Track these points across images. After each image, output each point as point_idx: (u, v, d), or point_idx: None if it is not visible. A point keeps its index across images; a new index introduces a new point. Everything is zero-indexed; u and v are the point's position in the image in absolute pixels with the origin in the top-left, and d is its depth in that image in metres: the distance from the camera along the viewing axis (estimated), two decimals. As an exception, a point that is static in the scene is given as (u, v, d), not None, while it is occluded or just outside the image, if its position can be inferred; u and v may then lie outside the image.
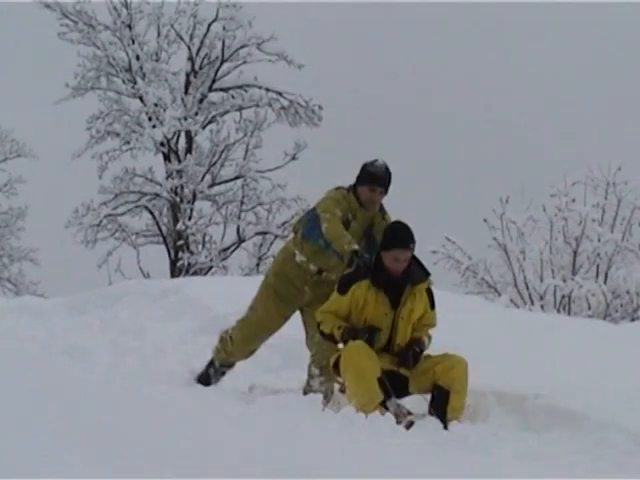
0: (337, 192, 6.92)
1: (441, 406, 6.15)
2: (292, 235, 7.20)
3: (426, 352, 6.50)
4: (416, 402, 6.42)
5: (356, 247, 6.54)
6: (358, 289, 6.41)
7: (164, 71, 27.55)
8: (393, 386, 6.24)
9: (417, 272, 6.52)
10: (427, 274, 6.57)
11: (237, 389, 7.28)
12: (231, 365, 7.42)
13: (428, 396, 6.34)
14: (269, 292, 7.12)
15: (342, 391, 6.43)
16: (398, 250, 6.38)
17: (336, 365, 6.42)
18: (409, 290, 6.45)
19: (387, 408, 6.11)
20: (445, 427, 5.97)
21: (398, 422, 5.96)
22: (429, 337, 6.60)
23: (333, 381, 6.71)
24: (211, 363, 7.40)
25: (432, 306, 6.60)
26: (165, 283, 12.24)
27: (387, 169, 6.85)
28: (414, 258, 6.52)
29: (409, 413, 6.20)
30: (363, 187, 6.84)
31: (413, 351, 6.38)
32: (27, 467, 2.80)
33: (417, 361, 6.39)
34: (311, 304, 6.94)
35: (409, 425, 6.00)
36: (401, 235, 6.45)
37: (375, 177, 6.83)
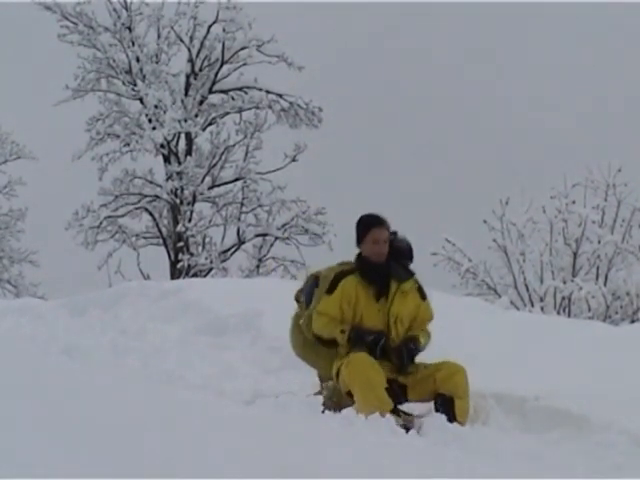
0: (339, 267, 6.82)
1: (446, 413, 6.11)
2: (296, 306, 6.99)
3: (424, 359, 6.46)
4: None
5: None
6: (347, 284, 6.44)
7: (164, 73, 27.55)
8: (392, 394, 6.24)
9: (400, 270, 6.55)
10: (411, 273, 6.59)
11: (237, 390, 7.27)
12: None
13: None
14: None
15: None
16: (375, 229, 6.47)
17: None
18: (396, 287, 6.47)
19: (399, 415, 6.07)
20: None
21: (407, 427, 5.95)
22: (428, 334, 6.57)
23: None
24: None
25: (423, 297, 6.60)
26: (165, 285, 12.25)
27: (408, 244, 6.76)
28: (393, 257, 6.54)
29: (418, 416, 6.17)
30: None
31: (408, 348, 6.36)
32: (26, 467, 2.80)
33: (413, 359, 6.37)
34: None
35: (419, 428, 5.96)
36: (373, 217, 6.56)
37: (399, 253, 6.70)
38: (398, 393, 6.31)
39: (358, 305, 6.42)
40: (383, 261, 6.48)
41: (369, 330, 6.35)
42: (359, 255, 6.57)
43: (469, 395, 6.26)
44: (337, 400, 6.47)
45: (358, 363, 6.19)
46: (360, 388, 6.14)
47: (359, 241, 6.55)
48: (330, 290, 6.47)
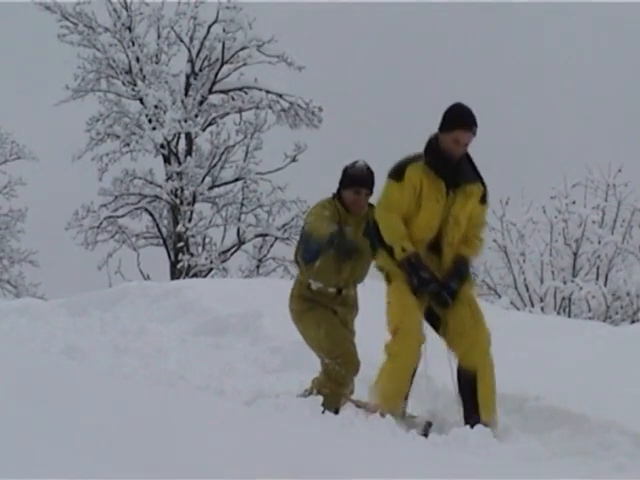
0: (318, 206, 6.80)
1: (470, 395, 6.02)
2: (297, 267, 6.97)
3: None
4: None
5: (334, 229, 6.48)
6: (413, 172, 6.07)
7: (164, 73, 27.56)
8: (429, 320, 6.16)
9: (470, 171, 6.18)
10: (480, 177, 6.22)
11: (237, 390, 7.27)
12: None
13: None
14: (308, 316, 6.77)
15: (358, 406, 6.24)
16: (460, 131, 6.06)
17: None
18: (461, 185, 6.12)
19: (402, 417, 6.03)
20: (477, 422, 5.84)
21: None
22: (480, 240, 6.30)
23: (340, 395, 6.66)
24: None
25: (483, 201, 6.26)
26: (165, 285, 12.26)
27: (369, 169, 6.68)
28: (468, 157, 6.18)
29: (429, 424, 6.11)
30: (347, 191, 6.67)
31: (452, 288, 6.08)
32: (27, 467, 2.79)
33: (458, 288, 6.11)
34: (345, 323, 6.82)
35: (427, 427, 5.92)
36: (464, 115, 6.11)
37: (358, 179, 6.64)
38: (434, 322, 6.19)
39: (420, 196, 6.07)
40: (457, 159, 6.09)
41: (427, 269, 6.04)
42: (433, 141, 6.16)
43: (494, 374, 6.04)
44: (335, 383, 6.52)
45: (396, 356, 6.01)
46: (384, 386, 6.02)
47: (442, 129, 6.13)
48: (398, 176, 6.10)
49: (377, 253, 6.32)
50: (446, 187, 6.09)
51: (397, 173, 6.11)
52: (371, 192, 6.71)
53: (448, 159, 6.09)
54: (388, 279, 6.23)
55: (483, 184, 6.26)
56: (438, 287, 6.07)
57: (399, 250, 6.07)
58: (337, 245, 6.50)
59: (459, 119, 6.10)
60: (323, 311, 6.76)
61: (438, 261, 6.15)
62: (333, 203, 6.75)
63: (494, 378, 6.09)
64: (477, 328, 6.15)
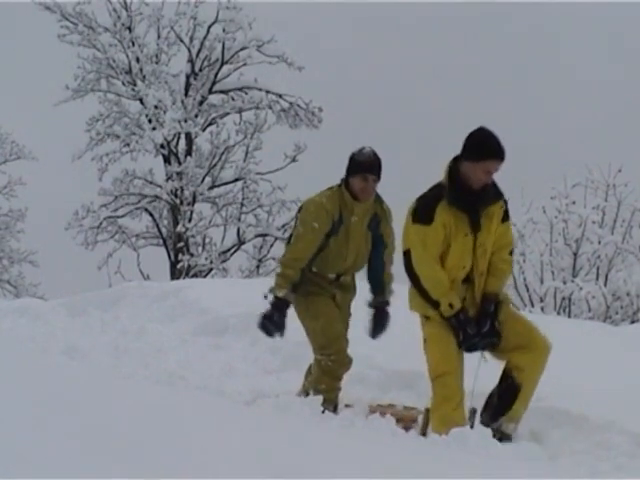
0: (321, 195, 6.71)
1: (508, 401, 5.90)
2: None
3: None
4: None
5: (280, 295, 6.49)
6: (443, 211, 5.75)
7: (164, 73, 27.56)
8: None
9: (489, 194, 5.90)
10: (499, 195, 5.98)
11: (237, 390, 7.27)
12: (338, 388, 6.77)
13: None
14: (305, 301, 6.71)
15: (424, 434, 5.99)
16: (493, 161, 5.75)
17: None
18: (483, 210, 5.85)
19: None
20: (500, 432, 5.79)
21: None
22: (506, 262, 6.00)
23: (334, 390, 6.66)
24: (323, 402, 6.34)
25: (504, 218, 5.99)
26: (165, 285, 12.26)
27: (375, 155, 6.59)
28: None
29: None
30: (355, 178, 6.57)
31: (491, 326, 5.84)
32: (27, 467, 2.79)
33: (495, 328, 5.88)
34: (342, 307, 6.80)
35: (472, 415, 5.82)
36: (495, 144, 5.77)
37: (365, 165, 6.55)
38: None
39: (450, 234, 5.78)
40: (482, 187, 5.80)
41: (473, 324, 5.82)
42: (452, 169, 5.84)
43: (535, 389, 5.94)
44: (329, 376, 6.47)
45: (441, 401, 5.83)
46: (440, 424, 5.75)
47: (469, 157, 5.77)
48: (427, 219, 5.77)
49: (411, 298, 6.03)
50: (472, 218, 5.83)
51: (426, 216, 5.77)
52: (378, 178, 6.64)
53: (471, 189, 5.80)
54: (424, 316, 5.98)
55: (504, 200, 6.04)
56: (479, 341, 5.84)
57: (446, 307, 5.80)
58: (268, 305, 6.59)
59: (491, 148, 5.78)
60: (323, 299, 6.72)
61: (471, 293, 5.93)
62: (338, 192, 6.67)
63: (533, 394, 5.94)
64: (533, 336, 5.96)
